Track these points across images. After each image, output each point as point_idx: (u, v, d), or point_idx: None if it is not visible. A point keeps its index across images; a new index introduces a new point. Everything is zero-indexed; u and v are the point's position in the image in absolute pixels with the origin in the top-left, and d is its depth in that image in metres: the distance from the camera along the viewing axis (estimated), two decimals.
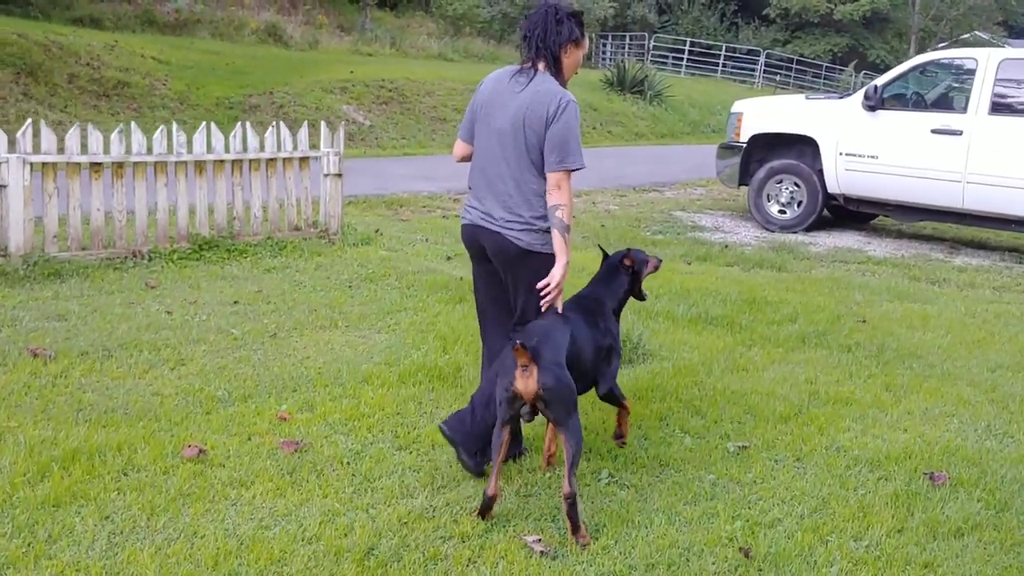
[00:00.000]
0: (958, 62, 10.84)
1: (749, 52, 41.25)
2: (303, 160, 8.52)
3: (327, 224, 8.60)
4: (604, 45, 40.50)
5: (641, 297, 4.58)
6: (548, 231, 3.92)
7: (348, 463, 4.22)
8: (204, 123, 8.06)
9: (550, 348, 3.69)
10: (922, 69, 11.19)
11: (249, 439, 4.44)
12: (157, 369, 5.33)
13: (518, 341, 3.53)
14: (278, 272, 7.56)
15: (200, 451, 4.24)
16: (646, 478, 4.24)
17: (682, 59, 39.31)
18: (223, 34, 25.09)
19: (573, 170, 3.88)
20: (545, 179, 3.90)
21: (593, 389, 4.28)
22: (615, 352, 4.33)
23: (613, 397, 4.34)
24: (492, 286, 4.24)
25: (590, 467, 4.28)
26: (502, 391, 3.66)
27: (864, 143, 10.71)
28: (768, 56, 40.73)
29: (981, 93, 10.03)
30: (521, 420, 3.86)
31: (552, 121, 3.84)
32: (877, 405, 5.37)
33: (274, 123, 8.39)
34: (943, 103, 10.84)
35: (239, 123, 8.20)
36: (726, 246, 10.16)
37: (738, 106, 11.96)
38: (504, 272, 4.10)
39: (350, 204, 10.83)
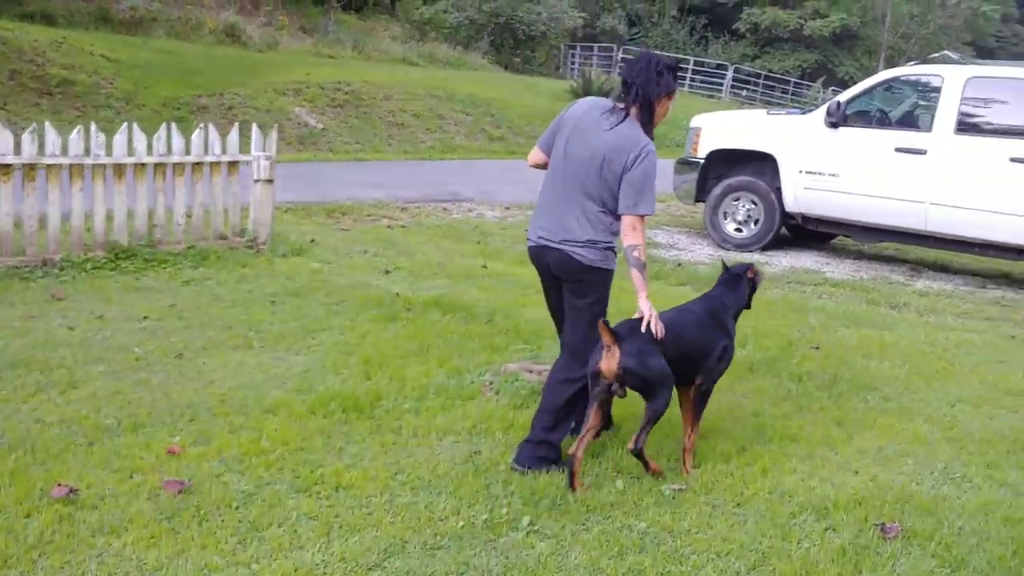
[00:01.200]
0: (924, 79, 10.54)
1: (718, 66, 41.14)
2: (232, 164, 8.05)
3: (256, 233, 8.13)
4: (572, 56, 40.24)
5: (749, 306, 4.94)
6: (607, 249, 4.27)
7: (237, 507, 3.77)
8: (125, 124, 7.57)
9: (635, 334, 4.12)
10: (887, 85, 10.90)
11: (131, 476, 3.98)
12: (45, 392, 4.85)
13: (603, 319, 4.12)
14: (197, 284, 7.08)
15: (71, 491, 3.78)
16: (570, 527, 3.82)
17: None
18: (179, 33, 24.51)
19: (645, 215, 4.18)
20: (608, 212, 4.22)
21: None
22: (728, 353, 4.61)
23: (705, 397, 4.55)
24: (557, 299, 4.58)
25: (509, 513, 3.86)
26: (590, 369, 4.16)
27: (825, 161, 10.39)
28: (736, 71, 40.62)
29: (947, 111, 9.74)
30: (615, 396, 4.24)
31: (632, 166, 4.11)
32: (827, 443, 4.99)
33: (201, 125, 7.91)
34: (907, 121, 10.54)
35: (164, 124, 7.70)
36: (679, 264, 9.79)
37: (697, 120, 11.61)
38: (565, 283, 4.39)
39: (288, 211, 10.37)
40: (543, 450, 4.34)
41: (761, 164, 10.96)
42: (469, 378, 5.47)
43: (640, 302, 4.20)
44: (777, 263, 10.44)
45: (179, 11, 25.56)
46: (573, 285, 4.37)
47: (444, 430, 4.71)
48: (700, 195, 11.42)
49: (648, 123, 4.24)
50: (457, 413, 4.95)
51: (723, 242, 11.17)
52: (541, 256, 4.42)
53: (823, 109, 10.48)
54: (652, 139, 4.29)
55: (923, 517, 4.14)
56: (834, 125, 10.28)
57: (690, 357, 4.39)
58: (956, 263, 11.37)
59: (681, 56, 40.97)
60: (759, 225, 11.03)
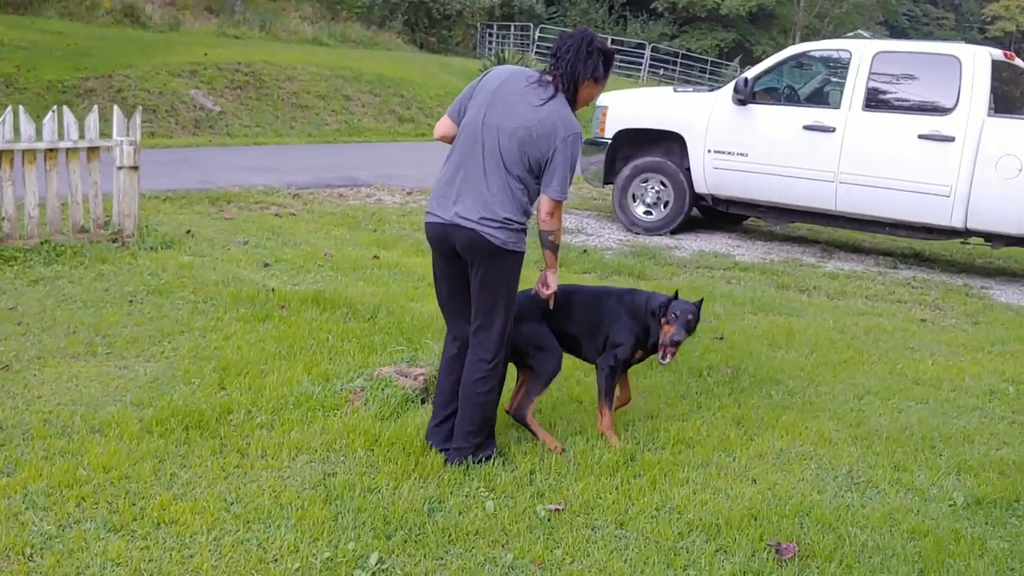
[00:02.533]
0: (832, 54, 10.23)
1: (637, 46, 40.87)
2: (92, 150, 7.35)
3: (121, 225, 7.46)
4: (489, 35, 39.60)
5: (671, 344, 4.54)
6: (520, 231, 3.99)
7: (30, 555, 3.20)
8: None
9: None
10: (796, 61, 10.59)
11: None
12: None
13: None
14: (46, 284, 6.40)
15: None
16: (425, 563, 3.33)
17: None
18: (73, 14, 23.32)
19: (562, 200, 3.93)
20: (525, 191, 3.95)
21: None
22: (614, 351, 4.53)
23: (600, 378, 4.56)
24: (455, 284, 4.17)
25: (357, 548, 3.35)
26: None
27: (733, 140, 10.03)
28: (655, 50, 40.39)
29: (855, 87, 9.43)
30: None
31: (561, 149, 3.85)
32: (725, 447, 4.58)
33: (54, 108, 7.20)
34: (816, 98, 10.24)
35: (8, 108, 6.99)
36: (585, 251, 9.34)
37: (603, 99, 11.14)
38: (474, 267, 3.99)
39: (166, 200, 9.68)
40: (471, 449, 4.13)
41: (669, 144, 10.57)
42: (338, 384, 4.94)
43: (549, 275, 4.14)
44: (687, 247, 10.06)
45: None
46: (484, 269, 3.99)
47: (298, 447, 4.19)
48: (608, 177, 11.00)
49: (572, 103, 4.00)
50: (317, 427, 4.42)
51: (632, 225, 10.77)
52: (446, 237, 4.01)
53: (730, 86, 10.11)
54: None
55: (823, 533, 3.75)
56: (742, 102, 9.92)
57: (573, 335, 4.56)
58: (868, 243, 11.14)
59: (601, 35, 40.55)
60: (669, 207, 10.65)
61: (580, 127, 3.94)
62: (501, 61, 26.22)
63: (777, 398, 5.36)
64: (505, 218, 3.90)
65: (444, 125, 4.13)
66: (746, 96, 9.87)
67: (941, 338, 7.00)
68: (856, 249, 10.76)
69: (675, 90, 11.16)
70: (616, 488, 3.99)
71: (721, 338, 6.46)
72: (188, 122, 16.41)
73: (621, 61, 39.51)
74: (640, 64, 39.19)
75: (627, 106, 10.96)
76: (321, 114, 18.74)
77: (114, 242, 7.38)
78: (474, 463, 4.07)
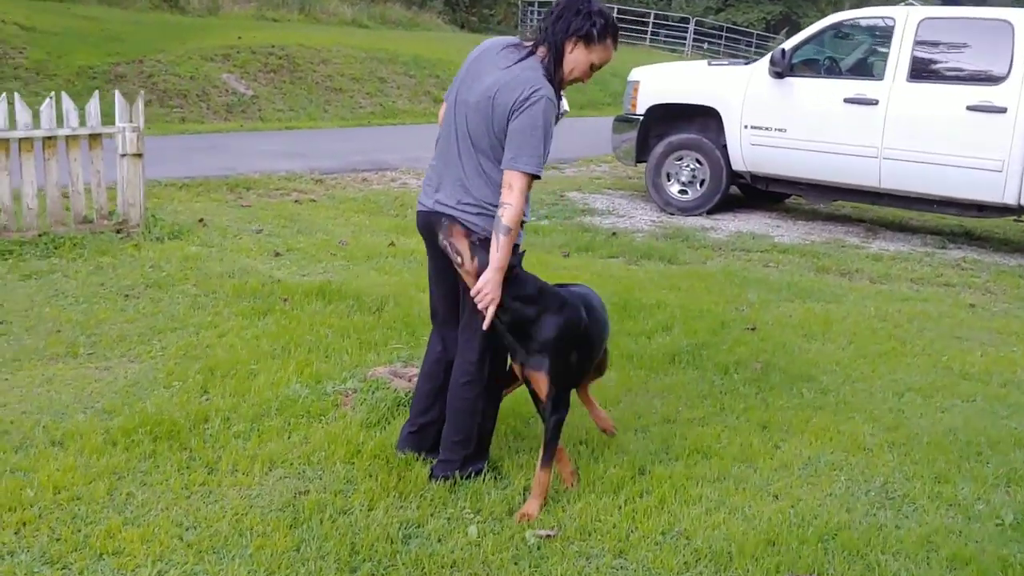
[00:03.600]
0: (874, 22, 9.64)
1: (681, 20, 40.03)
2: (94, 138, 7.07)
3: (126, 215, 7.17)
4: (531, 12, 38.96)
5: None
6: None
7: None
8: None
9: None
10: (835, 31, 10.00)
11: None
12: None
13: None
14: (39, 278, 6.13)
15: None
16: None
17: None
18: (111, 0, 23.20)
19: (527, 173, 3.34)
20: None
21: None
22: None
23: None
24: (443, 279, 3.73)
25: None
26: None
27: (771, 114, 9.49)
28: (699, 24, 39.55)
29: (899, 57, 8.85)
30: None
31: (519, 110, 3.34)
32: (746, 456, 4.15)
33: (52, 94, 6.91)
34: (858, 69, 9.65)
35: (1, 96, 6.72)
36: (614, 233, 8.90)
37: (635, 74, 10.65)
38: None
39: (182, 188, 9.39)
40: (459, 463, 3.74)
41: (705, 120, 10.06)
42: (330, 386, 4.59)
43: (485, 273, 3.36)
44: (723, 228, 9.56)
45: None
46: None
47: (274, 461, 3.84)
48: (641, 155, 10.52)
49: (555, 70, 3.47)
50: (297, 436, 4.08)
51: (666, 205, 10.30)
52: (429, 226, 3.63)
53: (767, 59, 9.57)
54: (560, 91, 3.53)
55: (850, 561, 3.32)
56: (779, 75, 9.38)
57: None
58: (915, 222, 10.54)
59: (644, 10, 39.87)
60: (705, 186, 10.15)
61: (547, 88, 3.37)
62: None
63: (809, 397, 4.91)
64: (484, 202, 3.48)
65: (442, 109, 3.77)
66: (784, 68, 9.33)
67: (992, 325, 6.47)
68: (903, 228, 10.18)
69: (709, 63, 10.63)
70: (619, 508, 3.59)
71: (753, 329, 6.02)
72: (220, 107, 16.17)
73: (667, 36, 38.79)
74: (684, 39, 38.39)
75: (659, 81, 10.47)
76: (355, 97, 18.40)
77: (118, 233, 7.10)
78: (461, 479, 3.69)
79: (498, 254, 3.34)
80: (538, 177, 3.41)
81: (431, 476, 3.71)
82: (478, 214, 3.50)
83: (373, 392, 4.46)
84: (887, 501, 3.82)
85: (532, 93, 3.34)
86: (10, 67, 15.21)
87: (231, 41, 18.87)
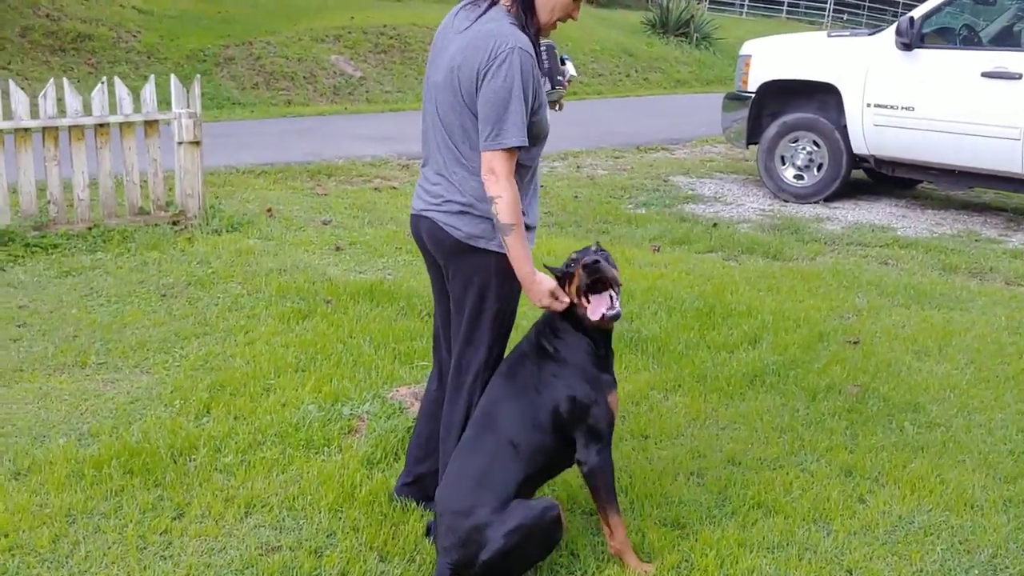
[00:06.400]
0: None
1: None
2: (150, 124, 6.72)
3: (183, 206, 6.81)
4: None
5: None
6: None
7: None
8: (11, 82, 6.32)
9: None
10: None
11: None
12: None
13: None
14: (77, 275, 5.79)
15: None
16: None
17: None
18: None
19: (511, 148, 2.72)
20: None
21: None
22: None
23: None
24: (445, 298, 3.15)
25: None
26: None
27: (897, 91, 8.48)
28: None
29: None
30: None
31: (486, 76, 2.71)
32: (819, 514, 3.41)
33: (103, 80, 6.59)
34: (1002, 39, 8.55)
35: (51, 80, 6.42)
36: (715, 224, 8.09)
37: (747, 47, 9.76)
38: (447, 275, 3.04)
39: (260, 175, 9.02)
40: None
41: (824, 97, 9.10)
42: (346, 408, 4.07)
43: (534, 283, 2.86)
44: (840, 218, 8.62)
45: None
46: (452, 277, 3.02)
47: (252, 504, 3.33)
48: (753, 136, 9.64)
49: (527, 16, 2.83)
50: (290, 473, 3.55)
51: (779, 192, 9.40)
52: (418, 233, 3.12)
53: (892, 29, 8.56)
54: (537, 42, 2.87)
55: None
56: (907, 47, 8.35)
57: None
58: None
59: None
60: (822, 171, 9.20)
61: (520, 41, 2.74)
62: (664, 10, 24.69)
63: (910, 433, 4.11)
64: (462, 201, 2.89)
65: None
66: (912, 40, 8.29)
67: None
68: None
69: (829, 35, 9.65)
70: None
71: (855, 343, 5.20)
72: (327, 89, 15.91)
73: (806, 7, 36.95)
74: (824, 8, 36.51)
75: (773, 55, 9.54)
76: None
77: (175, 225, 6.76)
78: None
79: (516, 261, 2.82)
80: (524, 148, 2.77)
81: (426, 533, 3.12)
82: (459, 213, 2.89)
83: (387, 419, 3.91)
84: None
85: (498, 48, 2.72)
86: (122, 51, 15.30)
87: (343, 22, 18.62)
